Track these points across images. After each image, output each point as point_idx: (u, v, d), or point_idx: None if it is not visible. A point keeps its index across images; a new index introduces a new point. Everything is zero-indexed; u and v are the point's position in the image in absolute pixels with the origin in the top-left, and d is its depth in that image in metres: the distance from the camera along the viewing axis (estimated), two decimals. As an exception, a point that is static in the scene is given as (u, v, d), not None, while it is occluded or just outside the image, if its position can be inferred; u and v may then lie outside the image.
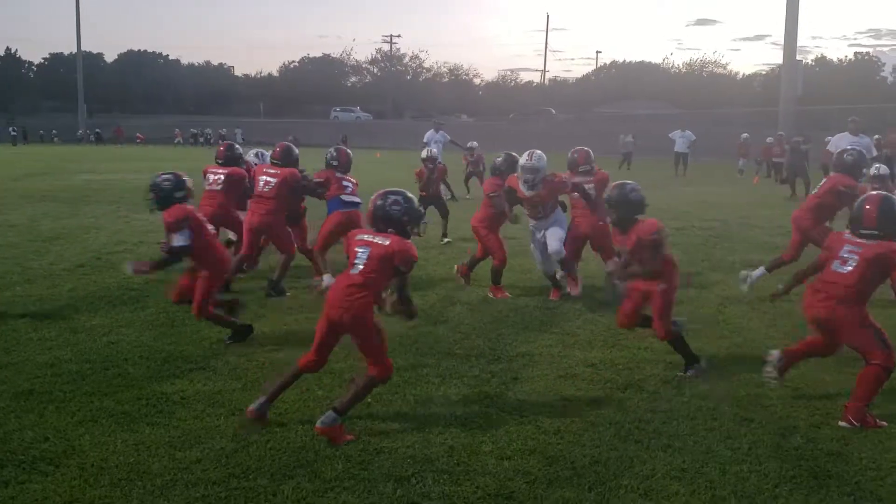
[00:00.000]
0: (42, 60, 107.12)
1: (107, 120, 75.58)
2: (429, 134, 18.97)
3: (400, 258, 4.35)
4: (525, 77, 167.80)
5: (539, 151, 7.86)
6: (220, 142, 9.40)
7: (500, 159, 8.51)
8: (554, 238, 7.98)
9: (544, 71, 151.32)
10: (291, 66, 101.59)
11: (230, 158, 8.76)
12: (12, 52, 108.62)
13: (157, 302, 7.56)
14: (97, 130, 65.67)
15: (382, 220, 4.48)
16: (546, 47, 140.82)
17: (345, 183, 8.36)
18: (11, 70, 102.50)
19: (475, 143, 19.47)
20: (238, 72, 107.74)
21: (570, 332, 6.69)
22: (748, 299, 7.99)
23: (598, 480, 3.89)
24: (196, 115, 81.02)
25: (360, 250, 4.42)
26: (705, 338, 6.42)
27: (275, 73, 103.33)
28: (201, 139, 61.63)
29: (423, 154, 12.77)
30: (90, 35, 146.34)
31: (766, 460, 4.16)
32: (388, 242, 4.38)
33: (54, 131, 67.89)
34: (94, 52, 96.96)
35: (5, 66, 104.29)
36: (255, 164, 9.13)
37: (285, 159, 8.26)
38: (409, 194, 4.59)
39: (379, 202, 4.51)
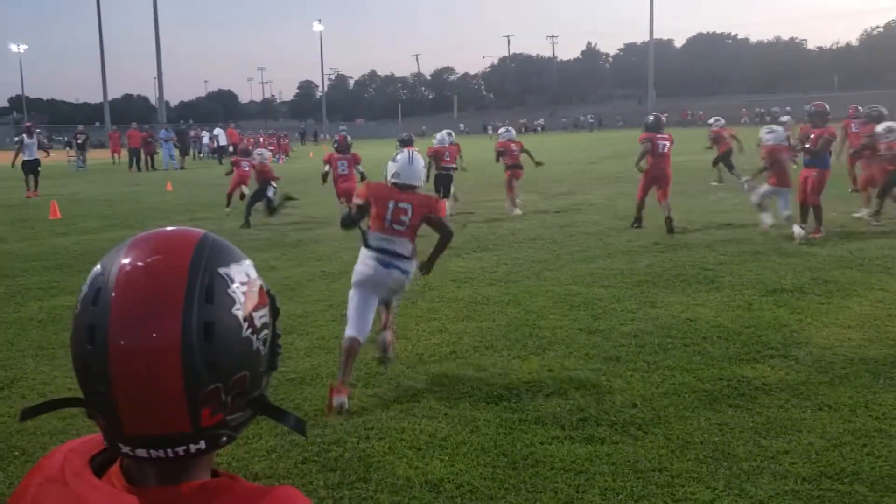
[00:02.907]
0: (617, 52, 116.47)
1: (672, 104, 78.48)
2: None
3: None
4: None
5: None
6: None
7: None
8: None
9: None
10: (874, 32, 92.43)
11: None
12: (592, 45, 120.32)
13: (732, 284, 7.50)
14: (664, 114, 68.80)
15: None
16: None
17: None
18: (590, 63, 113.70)
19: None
20: (811, 45, 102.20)
21: None
22: None
23: None
24: (762, 93, 79.01)
25: None
26: None
27: (853, 42, 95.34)
28: (767, 118, 59.93)
29: None
30: (662, 23, 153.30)
31: None
32: None
33: (617, 118, 73.17)
34: (665, 38, 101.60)
35: (585, 60, 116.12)
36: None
37: None
38: None
39: None
